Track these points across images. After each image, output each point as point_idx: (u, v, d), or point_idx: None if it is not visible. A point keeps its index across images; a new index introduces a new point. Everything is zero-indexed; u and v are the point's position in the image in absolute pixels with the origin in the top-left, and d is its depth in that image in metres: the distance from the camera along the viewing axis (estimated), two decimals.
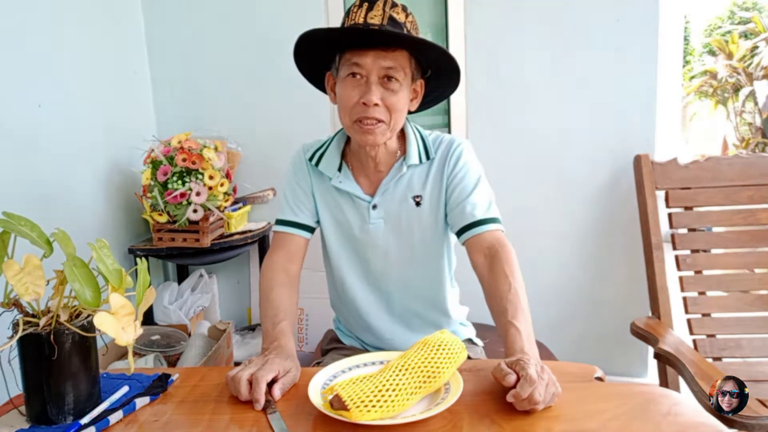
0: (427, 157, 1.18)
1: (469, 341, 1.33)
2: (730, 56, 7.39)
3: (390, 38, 1.05)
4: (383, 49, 1.05)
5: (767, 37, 6.83)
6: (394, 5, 1.08)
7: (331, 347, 1.36)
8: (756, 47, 6.98)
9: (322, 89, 1.23)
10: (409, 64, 1.09)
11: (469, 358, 1.13)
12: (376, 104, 1.06)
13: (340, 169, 1.19)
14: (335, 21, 2.15)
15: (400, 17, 1.07)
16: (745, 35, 7.88)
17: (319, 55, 1.15)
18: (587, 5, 2.00)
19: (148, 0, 2.22)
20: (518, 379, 0.82)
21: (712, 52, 8.89)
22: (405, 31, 1.07)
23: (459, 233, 1.15)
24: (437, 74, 1.16)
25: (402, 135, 1.20)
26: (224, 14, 2.21)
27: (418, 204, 1.18)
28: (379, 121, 1.08)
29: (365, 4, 1.07)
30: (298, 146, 1.26)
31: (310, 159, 1.21)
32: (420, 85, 1.15)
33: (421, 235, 1.19)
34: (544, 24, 2.04)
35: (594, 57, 2.03)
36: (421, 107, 1.21)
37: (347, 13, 1.09)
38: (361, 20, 1.06)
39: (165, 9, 2.23)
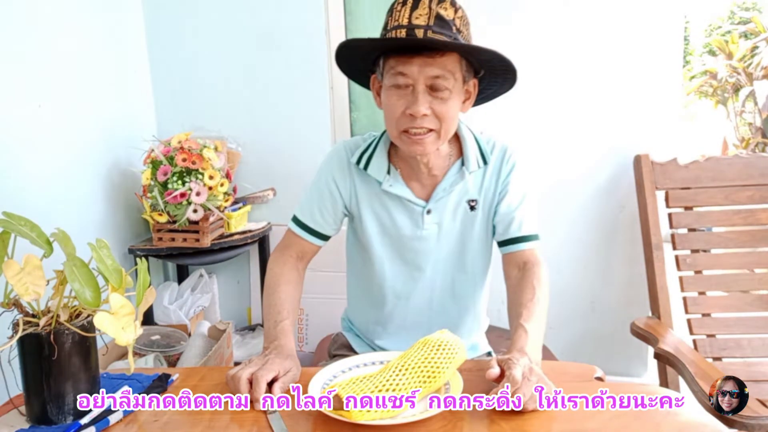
0: (485, 162, 1.13)
1: (489, 354, 1.30)
2: (730, 56, 7.39)
3: (435, 43, 0.97)
4: (430, 54, 0.97)
5: (767, 37, 6.82)
6: (441, 0, 0.99)
7: (341, 353, 1.29)
8: (756, 47, 6.97)
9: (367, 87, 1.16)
10: (459, 67, 1.01)
11: None
12: (424, 114, 0.99)
13: (388, 172, 1.13)
14: (335, 21, 2.15)
15: (449, 13, 0.99)
16: (745, 35, 7.88)
17: (362, 59, 1.08)
18: (587, 6, 2.00)
19: (148, 0, 2.22)
20: (503, 376, 0.83)
21: (712, 52, 8.89)
22: (454, 30, 0.98)
23: (501, 243, 1.14)
24: (491, 73, 1.09)
25: (455, 137, 1.14)
26: (224, 14, 2.21)
27: (472, 208, 1.14)
28: (430, 130, 1.01)
29: (410, 2, 0.99)
30: (338, 144, 1.19)
31: (357, 162, 1.14)
32: (473, 85, 1.08)
33: (472, 240, 1.16)
34: (544, 24, 2.04)
35: (594, 57, 2.03)
36: (475, 104, 1.15)
37: (390, 11, 1.02)
38: (405, 21, 0.97)
39: (165, 9, 2.22)
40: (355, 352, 1.29)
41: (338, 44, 1.04)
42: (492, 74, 1.09)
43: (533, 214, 1.14)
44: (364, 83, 1.16)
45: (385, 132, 1.15)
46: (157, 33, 2.24)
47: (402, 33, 0.98)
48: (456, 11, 1.01)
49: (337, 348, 1.34)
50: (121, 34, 2.11)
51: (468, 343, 1.24)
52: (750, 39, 7.41)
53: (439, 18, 0.98)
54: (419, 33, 0.97)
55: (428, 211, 1.13)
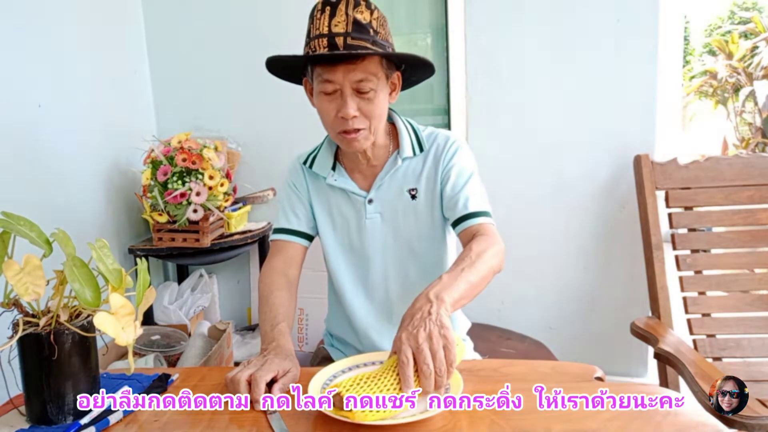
0: (421, 149, 1.19)
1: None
2: (730, 56, 7.39)
3: (353, 55, 1.03)
4: (351, 61, 1.03)
5: (767, 37, 6.82)
6: (357, 5, 1.05)
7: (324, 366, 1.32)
8: (756, 47, 6.98)
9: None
10: (380, 67, 1.07)
11: None
12: (354, 116, 1.06)
13: (334, 168, 1.21)
14: None
15: (365, 17, 1.05)
16: (745, 35, 7.88)
17: (292, 67, 1.15)
18: (587, 5, 2.00)
19: (148, 0, 2.22)
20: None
21: (712, 52, 8.89)
22: (371, 33, 1.05)
23: (453, 225, 1.17)
24: (411, 66, 1.15)
25: (393, 129, 1.22)
26: (224, 14, 2.21)
27: (413, 197, 1.18)
28: (360, 129, 1.09)
29: (327, 9, 1.04)
30: (292, 158, 1.28)
31: (305, 162, 1.24)
32: (397, 77, 1.14)
33: (417, 229, 1.20)
34: (544, 24, 2.04)
35: (594, 57, 2.03)
36: (402, 89, 1.20)
37: (311, 19, 1.07)
38: (325, 30, 1.03)
39: (165, 9, 2.23)
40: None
41: (266, 59, 1.11)
42: (412, 66, 1.16)
43: (480, 193, 1.17)
44: (298, 83, 1.23)
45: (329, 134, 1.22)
46: (157, 33, 2.24)
47: (323, 42, 1.04)
48: (372, 13, 1.07)
49: (320, 361, 1.34)
50: (121, 33, 2.11)
51: None
52: (750, 39, 7.42)
53: (356, 23, 1.04)
54: (339, 41, 1.03)
55: (370, 201, 1.19)
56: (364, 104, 1.07)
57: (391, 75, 1.12)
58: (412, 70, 1.17)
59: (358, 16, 1.04)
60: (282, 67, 1.15)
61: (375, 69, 1.06)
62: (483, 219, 1.13)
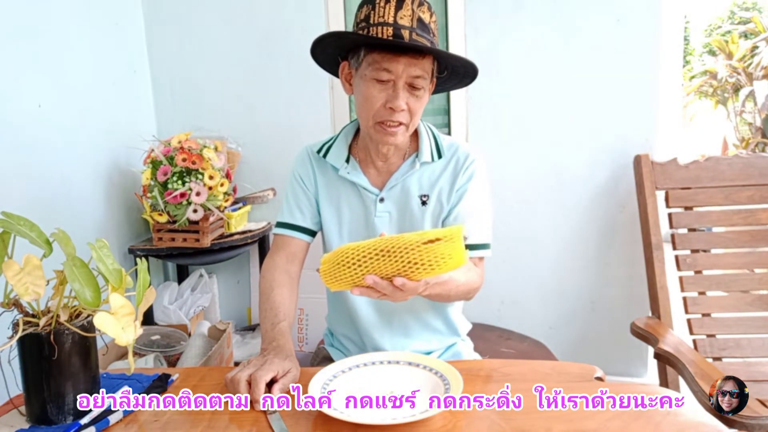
0: (439, 156, 1.18)
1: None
2: (730, 56, 7.38)
3: (425, 49, 1.04)
4: (414, 56, 1.04)
5: (767, 37, 6.82)
6: (421, 4, 1.06)
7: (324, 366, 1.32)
8: (756, 47, 6.97)
9: (331, 72, 1.22)
10: (432, 68, 1.10)
11: None
12: (402, 109, 1.07)
13: (347, 161, 1.19)
14: (335, 22, 2.15)
15: (426, 17, 1.06)
16: (745, 35, 7.87)
17: (338, 47, 1.14)
18: (587, 5, 2.00)
19: (148, 0, 2.22)
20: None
21: (712, 52, 8.89)
22: (431, 34, 1.07)
23: None
24: (454, 74, 1.17)
25: (413, 131, 1.21)
26: (224, 14, 2.21)
27: (424, 203, 1.18)
28: (402, 123, 1.09)
29: (393, 0, 1.04)
30: (300, 148, 1.26)
31: (318, 151, 1.21)
32: (433, 82, 1.15)
33: None
34: (544, 24, 2.04)
35: (594, 57, 2.03)
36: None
37: (372, 5, 1.06)
38: (390, 19, 1.03)
39: (165, 9, 2.23)
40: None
41: (327, 32, 1.09)
42: (454, 75, 1.17)
43: (484, 225, 1.18)
44: (328, 69, 1.22)
45: (346, 126, 1.23)
46: (157, 33, 2.24)
47: (388, 30, 1.03)
48: (431, 16, 1.09)
49: (320, 361, 1.34)
50: (121, 33, 2.11)
51: (442, 345, 1.26)
52: (750, 39, 7.41)
53: (420, 21, 1.05)
54: (405, 33, 1.04)
55: (381, 199, 1.18)
56: (413, 100, 1.08)
57: (433, 79, 1.13)
58: (452, 77, 1.17)
59: (422, 15, 1.06)
60: (328, 45, 1.12)
61: (429, 68, 1.08)
62: (480, 252, 1.16)
